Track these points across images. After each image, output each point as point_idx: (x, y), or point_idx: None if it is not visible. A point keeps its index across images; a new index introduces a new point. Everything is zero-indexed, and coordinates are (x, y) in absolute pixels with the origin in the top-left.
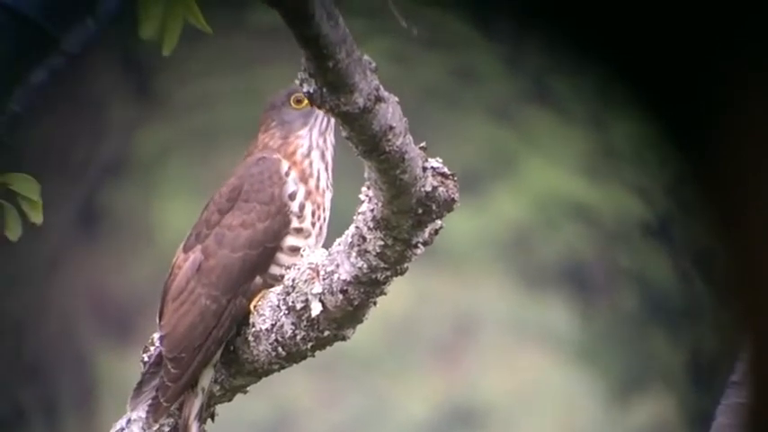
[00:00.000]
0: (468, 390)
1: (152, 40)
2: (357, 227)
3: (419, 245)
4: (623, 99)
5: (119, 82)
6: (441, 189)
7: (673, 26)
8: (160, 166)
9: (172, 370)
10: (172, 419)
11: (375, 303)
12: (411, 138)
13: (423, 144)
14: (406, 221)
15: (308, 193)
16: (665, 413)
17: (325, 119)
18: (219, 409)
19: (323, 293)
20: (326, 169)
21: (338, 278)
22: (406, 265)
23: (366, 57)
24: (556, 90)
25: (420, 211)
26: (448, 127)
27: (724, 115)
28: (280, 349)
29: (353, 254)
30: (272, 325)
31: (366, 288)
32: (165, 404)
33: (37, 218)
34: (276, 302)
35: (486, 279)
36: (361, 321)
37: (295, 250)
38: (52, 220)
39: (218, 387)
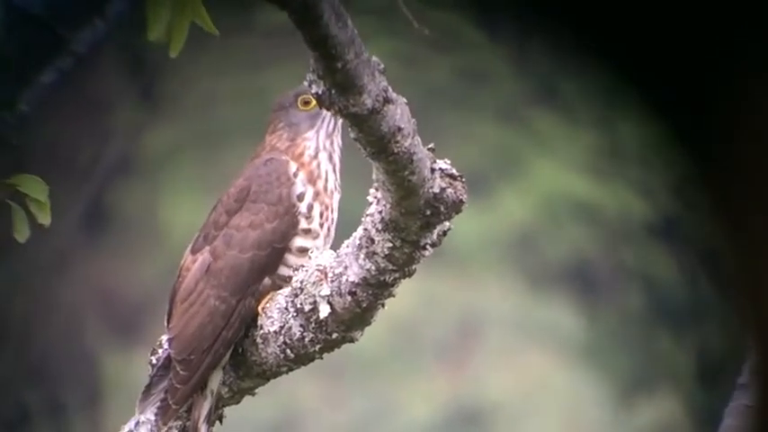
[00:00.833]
0: (473, 390)
1: (159, 42)
2: (365, 228)
3: (427, 246)
4: (629, 100)
5: (126, 83)
6: (449, 190)
7: (678, 27)
8: (167, 166)
9: (181, 372)
10: (180, 422)
11: (383, 305)
12: (419, 139)
13: (431, 145)
14: (415, 223)
15: (317, 194)
16: (671, 413)
17: (333, 121)
18: (226, 410)
19: (331, 295)
20: (334, 171)
21: (346, 280)
22: (414, 266)
23: (374, 58)
24: (562, 91)
25: (428, 212)
26: (454, 127)
27: (729, 116)
28: (288, 351)
29: (362, 256)
30: (281, 327)
31: (374, 290)
32: (174, 406)
33: (45, 219)
34: (284, 304)
35: (491, 279)
36: (370, 323)
37: (303, 251)
38: (59, 221)
39: (226, 389)
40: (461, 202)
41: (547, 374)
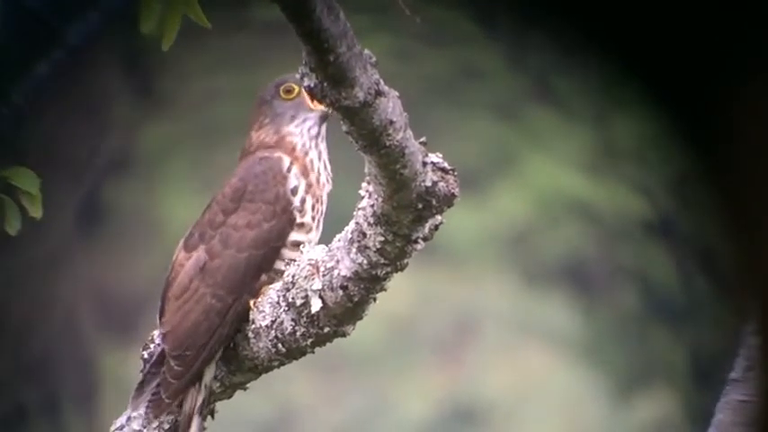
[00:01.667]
0: (469, 388)
1: (152, 35)
2: (357, 222)
3: (419, 240)
4: (626, 97)
5: (122, 78)
6: (441, 184)
7: (676, 24)
8: (163, 162)
9: (175, 367)
10: (172, 416)
11: (375, 300)
12: (411, 133)
13: (423, 139)
14: (407, 217)
15: (309, 187)
16: (668, 410)
17: (317, 125)
18: (221, 407)
19: (323, 289)
20: (323, 162)
21: (338, 274)
22: (406, 260)
23: (366, 51)
24: (558, 87)
25: (420, 206)
26: (450, 124)
27: (727, 113)
28: (279, 346)
29: (353, 250)
30: (272, 321)
31: (366, 284)
32: (166, 401)
33: (36, 212)
34: (276, 299)
35: (487, 277)
36: (361, 318)
37: (297, 245)
38: (54, 217)
39: (217, 384)
40: (453, 195)
41: (543, 372)
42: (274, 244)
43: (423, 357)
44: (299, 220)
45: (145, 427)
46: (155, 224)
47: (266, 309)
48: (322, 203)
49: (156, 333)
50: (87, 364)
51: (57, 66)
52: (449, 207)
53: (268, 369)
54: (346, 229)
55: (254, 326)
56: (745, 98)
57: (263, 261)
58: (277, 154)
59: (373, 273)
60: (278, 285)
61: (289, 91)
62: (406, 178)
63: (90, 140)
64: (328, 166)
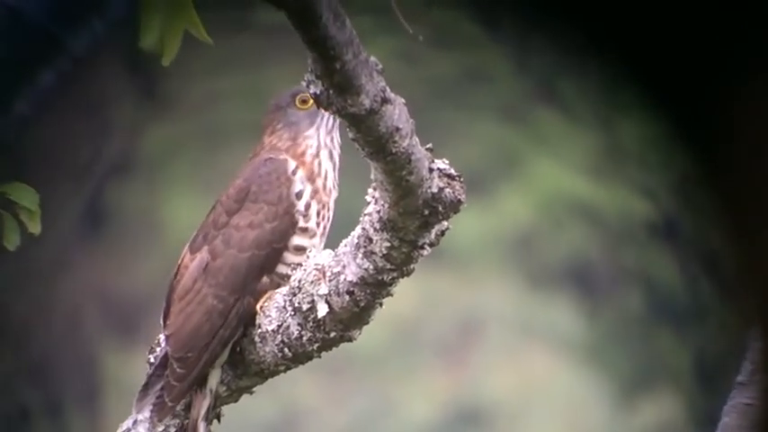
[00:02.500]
0: (473, 390)
1: (152, 50)
2: (363, 228)
3: (425, 246)
4: (630, 100)
5: (124, 82)
6: (447, 190)
7: (679, 27)
8: (166, 165)
9: (178, 369)
10: (177, 420)
11: (381, 305)
12: (417, 139)
13: (429, 145)
14: (413, 223)
15: (315, 192)
16: (672, 413)
17: (331, 118)
18: (225, 409)
19: (329, 294)
20: (334, 169)
21: (344, 279)
22: (412, 266)
23: (372, 58)
24: (563, 90)
25: (426, 212)
26: (455, 127)
27: (730, 115)
28: (286, 350)
29: (360, 255)
30: (279, 326)
31: (372, 289)
32: (169, 404)
33: (35, 228)
34: (282, 303)
35: (491, 279)
36: (368, 323)
37: (300, 249)
38: (58, 221)
39: (224, 388)
40: (460, 201)
41: (547, 374)
42: (276, 245)
43: (427, 359)
44: (302, 224)
45: (150, 431)
46: (157, 226)
47: (273, 313)
48: (328, 210)
49: (161, 336)
50: (90, 365)
51: (60, 74)
52: (455, 213)
53: (274, 373)
54: (352, 234)
55: (260, 330)
56: (746, 99)
57: (266, 262)
58: (283, 156)
59: (379, 278)
60: (284, 290)
61: (304, 101)
62: (413, 185)
63: (92, 143)
64: (336, 171)
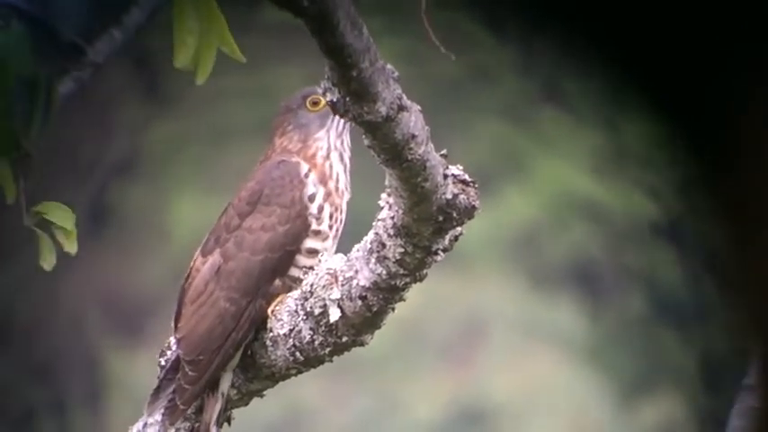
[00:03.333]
0: (477, 390)
1: (186, 69)
2: (377, 233)
3: (439, 252)
4: (634, 100)
5: (130, 81)
6: (461, 196)
7: (682, 28)
8: (170, 164)
9: (189, 373)
10: (188, 423)
11: (393, 309)
12: (432, 145)
13: (444, 151)
14: (427, 229)
15: (327, 195)
16: (675, 414)
17: (342, 121)
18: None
19: (341, 299)
20: (345, 171)
21: (357, 284)
22: (425, 271)
23: (389, 66)
24: (567, 90)
25: (441, 218)
26: (460, 127)
27: (732, 116)
28: (297, 354)
29: (373, 260)
30: (290, 330)
31: (385, 294)
32: (181, 407)
33: (71, 247)
34: (294, 307)
35: (495, 279)
36: (380, 327)
37: (313, 252)
38: None
39: (235, 391)
40: (474, 207)
41: (550, 374)
42: (289, 248)
43: (430, 360)
44: (314, 227)
45: None
46: (161, 226)
47: (284, 317)
48: (341, 212)
49: (172, 339)
50: (94, 365)
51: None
52: (469, 219)
53: (285, 377)
54: (365, 239)
55: (271, 334)
56: (749, 100)
57: (278, 265)
58: (295, 159)
59: (392, 283)
60: (296, 294)
61: (315, 103)
62: (428, 191)
63: (97, 143)
64: (348, 173)
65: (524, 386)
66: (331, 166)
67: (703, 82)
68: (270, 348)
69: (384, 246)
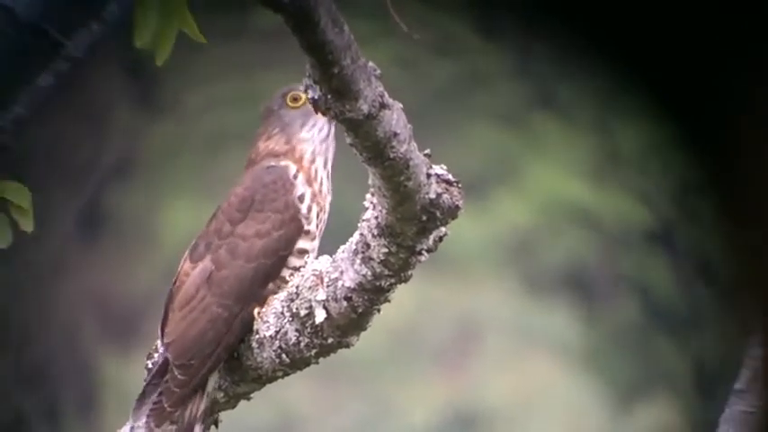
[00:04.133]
0: (471, 395)
1: (146, 49)
2: (361, 234)
3: (423, 252)
4: (629, 106)
5: (123, 86)
6: (445, 196)
7: (678, 33)
8: (164, 170)
9: (179, 376)
10: (174, 426)
11: (379, 311)
12: (415, 144)
13: (427, 151)
14: (411, 229)
15: (314, 196)
16: (669, 420)
17: (326, 126)
18: (221, 414)
19: (327, 300)
20: (327, 177)
21: (342, 285)
22: (410, 272)
23: (371, 63)
24: (561, 96)
25: (424, 218)
26: (453, 132)
27: (730, 122)
28: (284, 356)
29: (357, 261)
30: (276, 332)
31: (370, 295)
32: (169, 409)
33: (27, 226)
34: (280, 309)
35: (489, 284)
36: (365, 329)
37: (303, 252)
38: (55, 225)
39: (221, 394)
40: (457, 207)
41: (544, 380)
42: (283, 252)
43: (424, 365)
44: (305, 227)
45: None
46: (154, 230)
47: (270, 319)
48: (325, 212)
49: (158, 343)
50: (87, 370)
51: (59, 76)
52: (453, 219)
53: (272, 379)
54: (350, 240)
55: (258, 336)
56: (746, 106)
57: (272, 269)
58: (283, 162)
59: (377, 284)
60: (282, 296)
61: (296, 99)
62: (411, 190)
63: (90, 146)
64: (329, 178)
65: (519, 391)
66: (316, 170)
67: (700, 86)
68: (256, 350)
69: (369, 246)
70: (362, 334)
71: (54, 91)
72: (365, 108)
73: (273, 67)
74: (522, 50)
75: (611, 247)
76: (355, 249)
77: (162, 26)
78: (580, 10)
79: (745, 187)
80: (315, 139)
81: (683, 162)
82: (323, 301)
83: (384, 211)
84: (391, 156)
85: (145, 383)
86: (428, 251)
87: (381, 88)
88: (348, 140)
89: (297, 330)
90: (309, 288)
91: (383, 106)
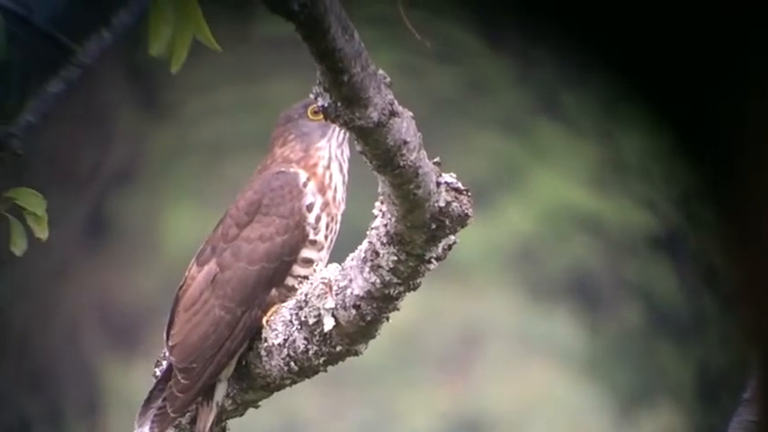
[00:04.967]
0: (474, 402)
1: (161, 57)
2: (370, 242)
3: (432, 260)
4: (632, 112)
5: (127, 92)
6: (454, 204)
7: (680, 40)
8: (167, 176)
9: (182, 380)
10: None
11: (388, 319)
12: (425, 153)
13: (437, 159)
14: (420, 237)
15: (325, 205)
16: (673, 427)
17: (342, 131)
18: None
19: (335, 308)
20: (343, 182)
21: (351, 293)
22: (418, 280)
23: (381, 71)
24: (565, 103)
25: (433, 226)
26: (457, 138)
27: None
28: (292, 364)
29: (366, 269)
30: (285, 340)
31: (379, 303)
32: (172, 415)
33: (42, 233)
34: (289, 317)
35: (493, 291)
36: (374, 337)
37: (308, 262)
38: (59, 231)
39: (230, 402)
40: (467, 216)
41: (548, 386)
42: (286, 258)
43: (428, 371)
44: (311, 236)
45: None
46: (158, 237)
47: (279, 327)
48: (336, 223)
49: (165, 349)
50: (90, 375)
51: (68, 83)
52: (462, 227)
53: (280, 387)
54: (359, 248)
55: (266, 344)
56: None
57: (275, 275)
58: (294, 169)
59: (386, 292)
60: (291, 304)
61: (317, 112)
62: (420, 198)
63: (94, 152)
64: (344, 185)
65: (522, 398)
66: (331, 176)
67: (702, 93)
68: (264, 358)
69: (378, 254)
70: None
71: (62, 97)
72: (375, 116)
73: (278, 75)
74: (526, 58)
75: (615, 254)
76: (364, 257)
77: (176, 34)
78: (583, 19)
79: (747, 193)
80: (332, 143)
81: (686, 168)
82: (331, 309)
83: (393, 219)
84: (401, 164)
85: (150, 390)
86: (437, 259)
87: (391, 96)
88: (358, 148)
89: (305, 338)
90: (318, 296)
91: (393, 114)
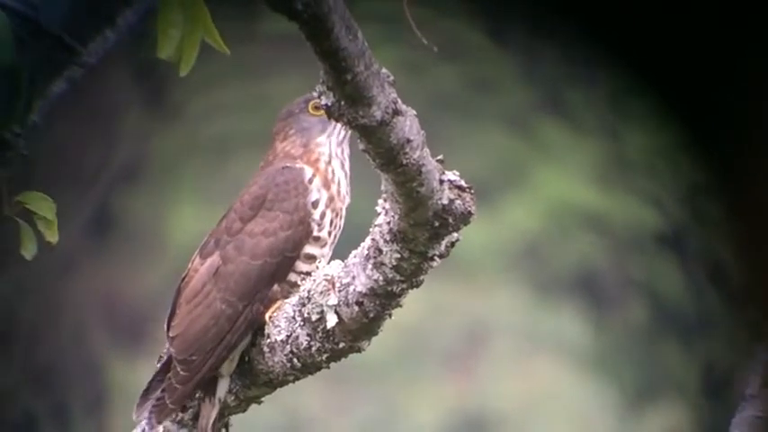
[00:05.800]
0: (479, 399)
1: (170, 60)
2: (373, 239)
3: (435, 257)
4: (637, 109)
5: (132, 91)
6: (457, 202)
7: (686, 38)
8: (173, 174)
9: (181, 372)
10: (186, 430)
11: (390, 316)
12: (428, 151)
13: (440, 157)
14: (423, 234)
15: (330, 200)
16: (678, 425)
17: (343, 130)
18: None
19: (338, 305)
20: (346, 177)
21: (354, 290)
22: (421, 277)
23: (384, 70)
24: (570, 100)
25: (437, 223)
26: (461, 137)
27: (737, 126)
28: (295, 360)
29: (369, 266)
30: (288, 336)
31: (382, 300)
32: (170, 406)
33: (52, 237)
34: (291, 314)
35: (498, 288)
36: (377, 333)
37: (311, 258)
38: (65, 228)
39: (232, 398)
40: (470, 213)
41: (553, 384)
42: (289, 254)
43: (433, 368)
44: (315, 233)
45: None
46: (163, 234)
47: (281, 323)
48: (341, 218)
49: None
50: (96, 371)
51: (73, 83)
52: (465, 225)
53: (283, 383)
54: (362, 245)
55: (269, 340)
56: (754, 110)
57: (277, 270)
58: (299, 165)
59: (389, 289)
60: (294, 300)
61: (318, 107)
62: (423, 196)
63: (100, 151)
64: (347, 179)
65: (527, 395)
66: (333, 171)
67: (708, 90)
68: (267, 355)
69: (381, 251)
70: (372, 338)
71: (67, 97)
72: (378, 114)
73: (282, 73)
74: (530, 55)
75: (620, 251)
76: (367, 254)
77: (185, 37)
78: (588, 15)
79: (753, 190)
80: (332, 143)
81: (692, 165)
82: (334, 305)
83: (396, 217)
84: (404, 162)
85: (149, 381)
86: (440, 257)
87: (395, 95)
88: (361, 146)
89: (308, 335)
90: (321, 293)
91: (396, 113)
